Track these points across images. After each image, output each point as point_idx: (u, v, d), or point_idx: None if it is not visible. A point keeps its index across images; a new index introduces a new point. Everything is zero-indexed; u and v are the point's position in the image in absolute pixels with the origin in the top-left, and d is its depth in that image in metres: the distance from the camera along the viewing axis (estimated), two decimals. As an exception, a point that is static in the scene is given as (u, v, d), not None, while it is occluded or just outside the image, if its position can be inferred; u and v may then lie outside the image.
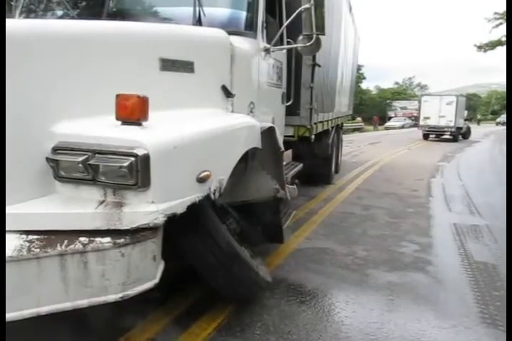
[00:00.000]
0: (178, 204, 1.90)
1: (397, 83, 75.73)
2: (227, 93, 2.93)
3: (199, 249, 2.52)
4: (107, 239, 1.75)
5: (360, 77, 44.72)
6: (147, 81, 2.31)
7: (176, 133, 1.95)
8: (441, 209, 6.57)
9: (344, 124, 11.84)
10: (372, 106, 52.94)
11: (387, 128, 40.88)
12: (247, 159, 3.10)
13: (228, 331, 2.79)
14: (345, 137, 19.33)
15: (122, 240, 1.76)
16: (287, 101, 4.54)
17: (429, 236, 5.01)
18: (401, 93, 63.89)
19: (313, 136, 5.40)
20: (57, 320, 2.25)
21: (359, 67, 38.79)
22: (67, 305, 1.78)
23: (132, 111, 1.81)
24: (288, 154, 6.96)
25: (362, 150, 16.43)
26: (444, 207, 6.73)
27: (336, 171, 9.18)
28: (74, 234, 1.76)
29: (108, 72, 2.16)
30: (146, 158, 1.73)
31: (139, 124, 1.85)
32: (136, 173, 1.73)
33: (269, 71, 3.82)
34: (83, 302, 1.79)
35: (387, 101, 56.46)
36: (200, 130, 2.13)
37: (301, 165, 5.34)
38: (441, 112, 24.06)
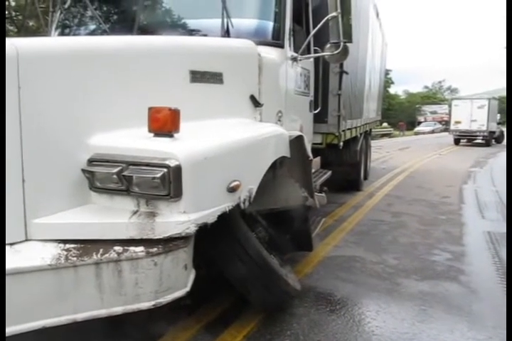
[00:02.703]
0: (209, 214, 1.94)
1: (426, 87, 74.55)
2: (256, 103, 2.97)
3: (229, 258, 2.55)
4: (141, 248, 1.80)
5: (388, 82, 44.18)
6: (178, 93, 2.38)
7: (206, 144, 2.00)
8: (474, 217, 6.41)
9: (372, 130, 11.72)
10: (400, 111, 52.20)
11: (416, 133, 40.21)
12: (276, 167, 3.12)
13: (258, 339, 2.79)
14: (373, 143, 19.05)
15: (155, 249, 1.80)
16: (315, 109, 4.55)
17: (461, 245, 4.90)
18: (431, 97, 62.81)
19: (341, 143, 5.39)
20: (90, 326, 2.30)
21: (387, 72, 38.32)
22: (102, 312, 1.83)
23: (164, 123, 1.86)
24: (316, 161, 6.95)
25: (391, 156, 16.22)
26: (477, 215, 6.57)
27: (365, 177, 9.09)
28: (109, 243, 1.82)
29: (140, 85, 2.23)
30: (178, 169, 1.78)
31: (171, 136, 1.90)
32: (169, 184, 1.77)
33: (297, 79, 3.84)
34: (118, 310, 1.84)
35: (417, 106, 55.57)
36: (229, 140, 2.17)
37: (329, 172, 5.32)
38: (472, 116, 23.54)
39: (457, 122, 24.10)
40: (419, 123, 48.78)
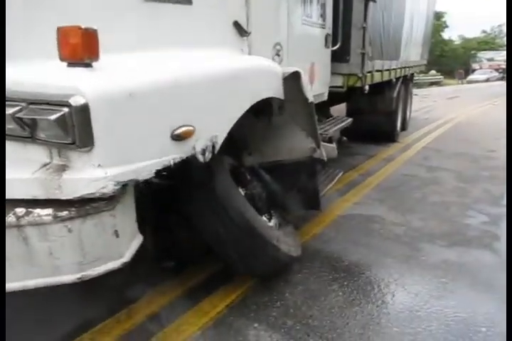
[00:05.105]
0: (141, 169, 1.48)
1: (484, 31, 68.28)
2: (241, 31, 2.40)
3: (208, 220, 2.20)
4: (47, 211, 1.40)
5: (441, 26, 40.93)
6: (125, 15, 1.84)
7: (136, 76, 1.50)
8: (522, 173, 5.67)
9: (420, 78, 10.69)
10: (453, 57, 48.60)
11: (469, 82, 37.54)
12: (272, 112, 2.66)
13: (241, 310, 2.44)
14: (420, 91, 17.79)
15: (65, 213, 1.40)
16: (334, 45, 3.87)
17: (502, 206, 4.26)
18: (489, 42, 57.68)
19: (367, 87, 4.68)
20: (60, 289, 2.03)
21: (441, 15, 35.25)
22: (14, 285, 1.49)
23: (75, 48, 1.38)
24: (341, 108, 6.33)
25: (437, 105, 15.02)
26: (526, 171, 5.82)
27: (403, 128, 8.36)
28: (12, 203, 1.43)
29: (71, 5, 1.72)
30: (84, 109, 1.31)
31: (88, 65, 1.42)
32: (72, 129, 1.32)
33: (305, 5, 3.17)
34: (31, 283, 1.49)
35: (472, 52, 51.47)
36: (178, 74, 1.65)
37: (350, 119, 4.63)
38: (534, 62, 21.36)
39: (516, 69, 22.02)
40: (474, 71, 45.41)
